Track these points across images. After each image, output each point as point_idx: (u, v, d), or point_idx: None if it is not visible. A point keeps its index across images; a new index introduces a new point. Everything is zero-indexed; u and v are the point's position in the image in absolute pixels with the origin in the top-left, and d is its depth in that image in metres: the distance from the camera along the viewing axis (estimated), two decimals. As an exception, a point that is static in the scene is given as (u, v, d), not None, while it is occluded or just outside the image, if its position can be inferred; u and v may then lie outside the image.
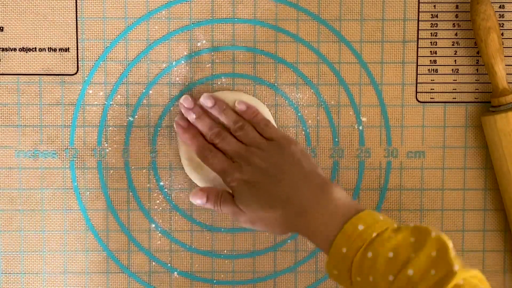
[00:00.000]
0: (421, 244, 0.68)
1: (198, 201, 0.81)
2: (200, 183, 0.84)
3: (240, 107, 0.83)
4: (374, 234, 0.70)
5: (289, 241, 0.87)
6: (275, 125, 0.85)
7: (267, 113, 0.84)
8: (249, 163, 0.78)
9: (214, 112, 0.83)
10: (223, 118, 0.82)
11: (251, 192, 0.77)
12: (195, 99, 0.83)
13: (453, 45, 0.86)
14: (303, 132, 0.86)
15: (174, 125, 0.83)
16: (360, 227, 0.70)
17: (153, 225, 0.86)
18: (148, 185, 0.86)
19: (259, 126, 0.82)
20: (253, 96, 0.85)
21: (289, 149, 0.79)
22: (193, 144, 0.82)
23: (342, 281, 0.72)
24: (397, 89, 0.86)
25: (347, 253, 0.70)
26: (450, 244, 0.68)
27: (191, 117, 0.82)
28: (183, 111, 0.83)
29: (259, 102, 0.85)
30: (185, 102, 0.83)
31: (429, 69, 0.86)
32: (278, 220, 0.77)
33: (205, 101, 0.82)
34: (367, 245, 0.69)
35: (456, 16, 0.85)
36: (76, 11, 0.84)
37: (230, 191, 0.80)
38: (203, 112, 0.83)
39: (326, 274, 0.84)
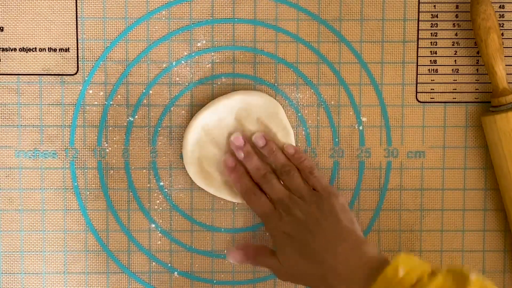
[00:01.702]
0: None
1: (236, 260, 0.82)
2: (208, 188, 0.85)
3: (289, 150, 0.83)
4: (415, 280, 0.68)
5: (289, 241, 0.87)
6: (291, 130, 0.84)
7: (282, 115, 0.84)
8: (290, 214, 0.78)
9: (264, 152, 0.83)
10: (271, 160, 0.83)
11: (291, 245, 0.77)
12: (245, 137, 0.83)
13: (453, 45, 0.86)
14: (303, 132, 0.86)
15: (222, 163, 0.83)
16: (401, 272, 0.68)
17: (153, 225, 0.86)
18: (148, 185, 0.86)
19: (304, 172, 0.82)
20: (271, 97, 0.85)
21: (329, 202, 0.79)
22: (238, 183, 0.83)
23: None
24: (397, 89, 0.86)
25: None
26: (490, 285, 0.67)
27: (240, 155, 0.83)
28: (233, 148, 0.83)
29: (278, 104, 0.84)
30: (236, 140, 0.83)
31: (429, 69, 0.86)
32: (316, 277, 0.76)
33: (257, 141, 0.83)
34: None
35: (456, 16, 0.85)
36: (76, 11, 0.84)
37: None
38: (252, 151, 0.83)
39: None
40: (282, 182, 0.82)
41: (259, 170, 0.82)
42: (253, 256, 0.81)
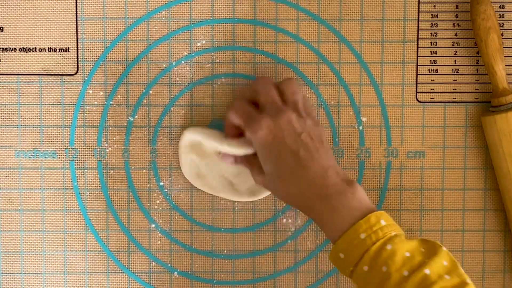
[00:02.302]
0: (433, 253, 0.70)
1: (227, 159, 0.82)
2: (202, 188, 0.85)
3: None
4: (393, 233, 0.72)
5: (289, 241, 0.87)
6: None
7: None
8: (281, 115, 0.76)
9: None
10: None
11: (275, 154, 0.76)
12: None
13: (453, 45, 0.86)
14: (303, 132, 0.86)
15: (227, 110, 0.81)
16: (383, 222, 0.72)
17: (153, 225, 0.87)
18: (148, 185, 0.86)
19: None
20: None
21: (321, 130, 0.78)
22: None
23: (344, 267, 0.73)
24: (397, 89, 0.86)
25: (365, 240, 0.71)
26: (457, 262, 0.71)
27: None
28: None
29: None
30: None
31: (429, 69, 0.86)
32: (298, 194, 0.76)
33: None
34: (387, 239, 0.71)
35: (456, 16, 0.85)
36: (76, 11, 0.84)
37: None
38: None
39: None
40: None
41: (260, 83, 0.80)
42: (242, 160, 0.81)
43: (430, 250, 0.71)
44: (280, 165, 0.76)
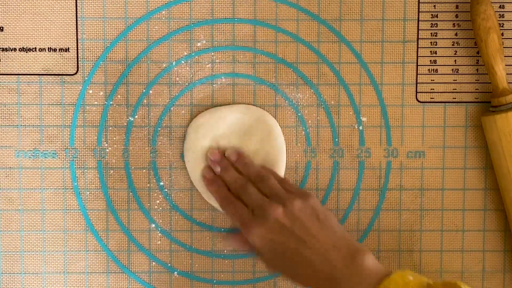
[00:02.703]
0: None
1: (229, 244, 0.83)
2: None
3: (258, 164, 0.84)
4: None
5: (289, 241, 0.87)
6: (281, 133, 0.85)
7: (272, 122, 0.85)
8: (268, 218, 0.77)
9: (238, 166, 0.83)
10: (245, 172, 0.83)
11: (277, 253, 0.77)
12: (221, 152, 0.84)
13: (453, 45, 0.86)
14: (303, 132, 0.86)
15: (201, 176, 0.84)
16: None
17: (153, 225, 0.87)
18: (148, 185, 0.86)
19: (277, 179, 0.82)
20: (253, 103, 0.85)
21: (310, 202, 0.78)
22: (216, 194, 0.83)
23: None
24: (397, 89, 0.86)
25: None
26: None
27: (217, 170, 0.84)
28: (210, 163, 0.84)
29: (265, 112, 0.85)
30: (212, 155, 0.84)
31: (429, 69, 0.86)
32: (303, 278, 0.76)
33: (230, 155, 0.84)
34: None
35: (456, 16, 0.85)
36: (76, 11, 0.84)
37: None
38: (229, 164, 0.84)
39: None
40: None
41: (237, 180, 0.82)
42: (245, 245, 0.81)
43: None
44: (282, 262, 0.77)
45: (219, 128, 0.85)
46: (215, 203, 0.85)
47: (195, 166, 0.85)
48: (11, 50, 0.84)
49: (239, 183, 0.82)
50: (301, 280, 0.76)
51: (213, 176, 0.84)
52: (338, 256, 0.74)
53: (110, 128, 0.85)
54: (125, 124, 0.85)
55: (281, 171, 0.85)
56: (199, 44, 0.85)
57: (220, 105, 0.85)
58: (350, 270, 0.73)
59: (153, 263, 0.87)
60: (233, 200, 0.81)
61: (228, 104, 0.85)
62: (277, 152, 0.85)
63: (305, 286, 0.77)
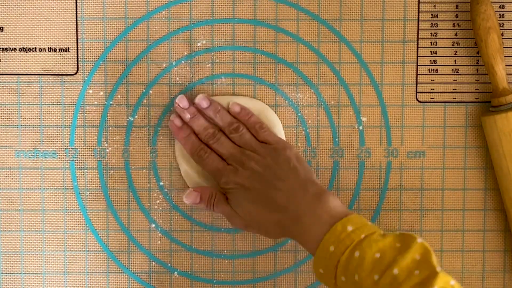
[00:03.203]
0: (406, 248, 0.69)
1: (191, 200, 0.82)
2: (192, 179, 0.85)
3: (234, 109, 0.83)
4: (363, 236, 0.71)
5: (289, 241, 0.87)
6: (282, 130, 0.85)
7: (274, 117, 0.85)
8: (245, 167, 0.79)
9: (209, 113, 0.83)
10: (218, 120, 0.82)
11: (248, 196, 0.78)
12: (191, 100, 0.83)
13: (453, 45, 0.86)
14: (303, 132, 0.86)
15: (169, 124, 0.83)
16: (349, 228, 0.72)
17: (153, 225, 0.86)
18: (148, 185, 0.86)
19: (254, 128, 0.82)
20: (255, 98, 0.85)
21: (284, 154, 0.79)
22: (186, 144, 0.82)
23: (327, 281, 0.73)
24: (397, 89, 0.86)
25: (335, 252, 0.71)
26: (432, 250, 0.70)
27: (186, 116, 0.83)
28: (178, 110, 0.83)
29: (267, 107, 0.85)
30: (180, 101, 0.83)
31: (429, 69, 0.86)
32: (273, 225, 0.77)
33: (200, 101, 0.83)
34: (355, 245, 0.71)
35: (456, 16, 0.85)
36: (76, 11, 0.84)
37: (223, 192, 0.81)
38: (198, 112, 0.83)
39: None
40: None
41: (207, 129, 0.82)
42: (207, 200, 0.81)
43: (404, 245, 0.70)
44: (249, 208, 0.78)
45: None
46: (192, 179, 0.85)
47: (183, 160, 0.85)
48: (11, 50, 0.84)
49: (210, 131, 0.82)
50: (266, 226, 0.77)
51: (182, 124, 0.83)
52: (304, 196, 0.76)
53: (110, 128, 0.85)
54: (125, 124, 0.85)
55: None
56: (199, 44, 0.85)
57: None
58: (315, 208, 0.75)
59: (153, 263, 0.87)
60: (205, 149, 0.81)
61: (230, 95, 0.85)
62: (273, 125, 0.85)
63: (269, 233, 0.78)
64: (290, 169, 0.78)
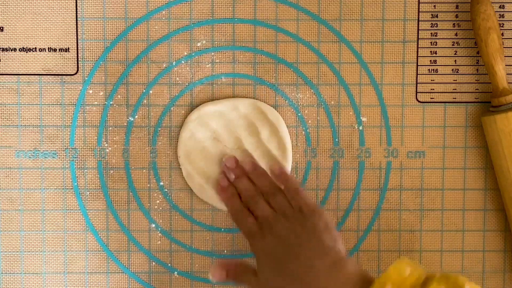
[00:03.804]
0: None
1: (218, 277, 0.81)
2: (193, 180, 0.85)
3: (274, 171, 0.84)
4: None
5: (289, 241, 0.87)
6: (290, 142, 0.85)
7: (284, 130, 0.85)
8: (272, 232, 0.78)
9: (252, 176, 0.84)
10: (259, 184, 0.83)
11: (270, 263, 0.77)
12: (237, 160, 0.84)
13: (453, 45, 0.86)
14: (303, 132, 0.86)
15: (217, 184, 0.84)
16: (389, 286, 0.70)
17: (153, 225, 0.87)
18: (148, 185, 0.86)
19: (290, 192, 0.82)
20: (271, 106, 0.85)
21: (313, 221, 0.78)
22: (229, 204, 0.83)
23: None
24: (397, 89, 0.86)
25: None
26: None
27: (231, 177, 0.84)
28: (225, 170, 0.84)
29: (280, 118, 0.85)
30: (228, 162, 0.84)
31: (429, 69, 0.86)
32: None
33: (245, 165, 0.84)
34: None
35: (456, 16, 0.85)
36: (76, 11, 0.84)
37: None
38: (243, 173, 0.84)
39: None
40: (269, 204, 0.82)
41: (248, 191, 0.83)
42: (234, 273, 0.80)
43: None
44: (273, 276, 0.77)
45: (220, 122, 0.85)
46: (208, 199, 0.85)
47: (186, 161, 0.85)
48: (11, 50, 0.84)
49: (251, 194, 0.82)
50: None
51: (227, 184, 0.84)
52: (321, 265, 0.75)
53: (110, 128, 0.85)
54: (125, 124, 0.85)
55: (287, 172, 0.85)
56: (199, 44, 0.85)
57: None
58: (333, 278, 0.74)
59: (153, 263, 0.87)
60: (244, 211, 0.82)
61: (232, 98, 0.85)
62: (282, 152, 0.85)
63: None
64: (314, 236, 0.77)
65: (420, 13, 0.85)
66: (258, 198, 0.82)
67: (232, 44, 0.85)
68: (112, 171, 0.86)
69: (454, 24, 0.86)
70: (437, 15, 0.85)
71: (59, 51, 0.84)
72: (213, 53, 0.85)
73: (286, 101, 0.86)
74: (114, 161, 0.86)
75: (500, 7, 0.85)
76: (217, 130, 0.85)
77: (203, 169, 0.85)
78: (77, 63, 0.85)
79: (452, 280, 0.70)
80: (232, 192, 0.83)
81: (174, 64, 0.85)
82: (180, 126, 0.85)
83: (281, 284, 0.76)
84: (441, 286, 0.69)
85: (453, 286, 0.69)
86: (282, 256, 0.76)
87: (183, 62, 0.85)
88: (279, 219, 0.79)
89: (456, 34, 0.86)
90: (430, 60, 0.86)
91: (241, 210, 0.82)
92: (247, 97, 0.85)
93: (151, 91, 0.85)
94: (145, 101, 0.85)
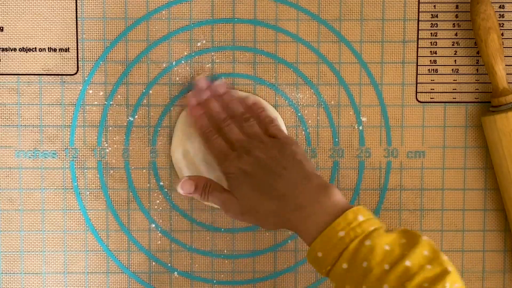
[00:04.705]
0: (414, 244, 0.70)
1: (186, 189, 0.81)
2: (186, 169, 0.85)
3: (248, 100, 0.84)
4: (372, 228, 0.72)
5: (289, 241, 0.87)
6: (285, 129, 0.85)
7: (280, 122, 0.85)
8: (249, 154, 0.79)
9: (225, 99, 0.83)
10: (231, 107, 0.83)
11: (249, 182, 0.78)
12: (209, 81, 0.84)
13: (453, 45, 0.86)
14: (303, 132, 0.86)
15: (186, 99, 0.83)
16: (360, 218, 0.72)
17: (153, 225, 0.87)
18: (148, 185, 0.86)
19: (264, 122, 0.82)
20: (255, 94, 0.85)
21: (290, 148, 0.79)
22: (198, 123, 0.83)
23: (321, 265, 0.73)
24: (397, 89, 0.86)
25: (344, 238, 0.71)
26: (439, 249, 0.70)
27: (202, 97, 0.83)
28: (196, 89, 0.84)
29: (276, 112, 0.85)
30: (200, 82, 0.84)
31: (429, 69, 0.86)
32: (271, 213, 0.77)
33: (219, 86, 0.83)
34: (366, 235, 0.71)
35: (456, 16, 0.85)
36: (76, 11, 0.84)
37: (225, 177, 0.80)
38: (215, 96, 0.83)
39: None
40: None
41: (219, 113, 0.82)
42: (202, 188, 0.81)
43: (410, 241, 0.70)
44: (250, 197, 0.78)
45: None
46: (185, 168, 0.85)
47: (183, 161, 0.85)
48: (11, 50, 0.84)
49: (222, 116, 0.82)
50: (263, 214, 0.77)
51: (197, 103, 0.83)
52: (307, 185, 0.75)
53: (110, 128, 0.85)
54: (125, 124, 0.85)
55: None
56: (199, 44, 0.85)
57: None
58: (318, 198, 0.74)
59: (153, 263, 0.87)
60: (214, 132, 0.81)
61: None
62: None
63: (266, 222, 0.78)
64: (295, 161, 0.78)
65: (420, 13, 0.85)
66: (230, 121, 0.82)
67: (232, 44, 0.85)
68: (112, 171, 0.86)
69: (454, 24, 0.86)
70: (437, 15, 0.85)
71: (59, 51, 0.84)
72: (213, 53, 0.85)
73: (286, 101, 0.86)
74: (114, 161, 0.86)
75: (500, 7, 0.85)
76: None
77: (199, 169, 0.85)
78: (77, 63, 0.85)
79: (411, 232, 0.72)
80: (203, 110, 0.83)
81: (174, 64, 0.85)
82: (180, 126, 0.85)
83: (260, 200, 0.77)
84: (402, 234, 0.72)
85: (412, 236, 0.71)
86: (263, 175, 0.77)
87: (183, 62, 0.85)
88: (255, 143, 0.80)
89: (456, 34, 0.86)
90: (430, 60, 0.86)
91: (211, 129, 0.82)
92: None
93: (151, 91, 0.85)
94: (145, 101, 0.85)
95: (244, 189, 0.78)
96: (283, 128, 0.85)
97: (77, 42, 0.84)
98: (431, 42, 0.86)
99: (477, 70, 0.86)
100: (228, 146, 0.81)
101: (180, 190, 0.81)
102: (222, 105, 0.83)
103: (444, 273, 0.68)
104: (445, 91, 0.86)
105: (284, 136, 0.81)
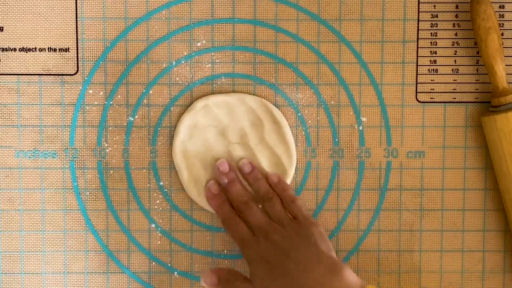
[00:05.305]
0: None
1: (209, 283, 0.80)
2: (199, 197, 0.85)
3: (273, 179, 0.84)
4: None
5: (289, 241, 0.87)
6: (293, 141, 0.85)
7: (288, 130, 0.85)
8: (267, 238, 0.79)
9: (249, 179, 0.84)
10: (255, 187, 0.83)
11: (268, 268, 0.77)
12: (230, 164, 0.84)
13: (453, 45, 0.86)
14: (303, 132, 0.86)
15: (205, 190, 0.84)
16: None
17: (153, 225, 0.87)
18: (148, 185, 0.86)
19: (286, 201, 0.82)
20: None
21: (308, 230, 0.79)
22: (219, 211, 0.83)
23: None
24: (397, 89, 0.86)
25: None
26: None
27: (223, 181, 0.84)
28: (217, 173, 0.84)
29: (284, 118, 0.85)
30: (221, 166, 0.84)
31: (429, 69, 0.86)
32: None
33: (243, 167, 0.84)
34: None
35: (456, 16, 0.85)
36: (76, 11, 0.84)
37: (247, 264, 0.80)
38: (236, 178, 0.84)
39: None
40: (263, 211, 0.82)
41: (242, 196, 0.83)
42: (226, 279, 0.80)
43: None
44: (268, 280, 0.76)
45: (218, 118, 0.84)
46: (208, 206, 0.85)
47: (182, 159, 0.85)
48: (11, 50, 0.84)
49: (244, 200, 0.82)
50: None
51: (218, 191, 0.84)
52: (320, 269, 0.75)
53: (110, 128, 0.85)
54: (125, 124, 0.85)
55: (290, 176, 0.85)
56: (199, 44, 0.85)
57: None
58: (331, 283, 0.74)
59: (153, 263, 0.87)
60: (235, 218, 0.82)
61: (234, 93, 0.85)
62: (285, 148, 0.85)
63: None
64: (309, 243, 0.78)
65: (420, 13, 0.85)
66: (252, 204, 0.82)
67: (232, 44, 0.85)
68: (112, 171, 0.86)
69: (454, 24, 0.86)
70: (437, 15, 0.85)
71: (59, 51, 0.84)
72: (213, 53, 0.85)
73: (286, 101, 0.86)
74: (114, 161, 0.86)
75: (500, 7, 0.85)
76: (223, 120, 0.85)
77: (200, 175, 0.85)
78: (77, 63, 0.85)
79: None
80: (223, 198, 0.83)
81: (174, 64, 0.85)
82: (180, 126, 0.85)
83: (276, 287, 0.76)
84: None
85: None
86: (278, 260, 0.76)
87: (183, 62, 0.85)
88: (275, 226, 0.80)
89: (456, 34, 0.86)
90: (430, 60, 0.86)
91: (233, 217, 0.82)
92: None
93: (151, 91, 0.85)
94: (145, 101, 0.85)
95: (261, 277, 0.77)
96: (288, 132, 0.85)
97: (77, 42, 0.84)
98: (431, 42, 0.86)
99: (477, 70, 0.86)
100: (249, 231, 0.80)
101: (203, 283, 0.81)
102: (244, 185, 0.84)
103: None
104: (445, 91, 0.86)
105: (303, 216, 0.81)
